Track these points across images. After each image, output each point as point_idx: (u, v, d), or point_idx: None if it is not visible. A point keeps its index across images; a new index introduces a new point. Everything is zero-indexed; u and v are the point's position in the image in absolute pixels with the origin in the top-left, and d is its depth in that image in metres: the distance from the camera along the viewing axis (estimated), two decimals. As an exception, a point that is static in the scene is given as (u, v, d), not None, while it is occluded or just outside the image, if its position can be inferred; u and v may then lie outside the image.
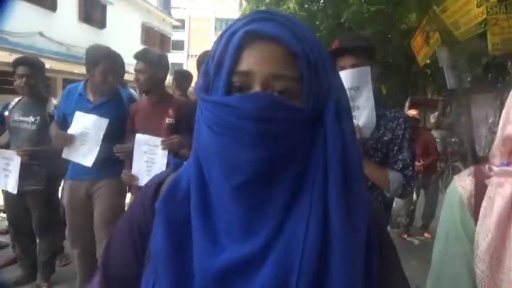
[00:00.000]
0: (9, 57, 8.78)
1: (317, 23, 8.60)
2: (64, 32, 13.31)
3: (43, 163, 2.87)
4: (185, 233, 0.57)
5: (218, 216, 0.56)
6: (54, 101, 3.03)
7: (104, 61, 2.50)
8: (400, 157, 1.61)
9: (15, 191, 2.77)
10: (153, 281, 0.58)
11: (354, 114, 1.62)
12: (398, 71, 8.99)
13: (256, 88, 0.55)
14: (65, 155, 2.52)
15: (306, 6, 9.28)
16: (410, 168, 1.60)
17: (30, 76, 2.90)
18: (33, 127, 2.89)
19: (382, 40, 7.54)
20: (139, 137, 2.34)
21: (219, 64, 0.57)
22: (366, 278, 0.56)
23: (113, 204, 2.56)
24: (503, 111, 0.81)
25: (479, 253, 0.75)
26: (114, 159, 2.43)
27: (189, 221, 0.57)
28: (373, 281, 0.57)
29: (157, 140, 2.29)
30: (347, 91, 1.61)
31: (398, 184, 1.58)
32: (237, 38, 0.55)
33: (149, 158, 2.32)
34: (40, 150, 2.82)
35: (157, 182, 0.68)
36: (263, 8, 11.15)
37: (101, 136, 2.44)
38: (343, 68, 1.62)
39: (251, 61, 0.55)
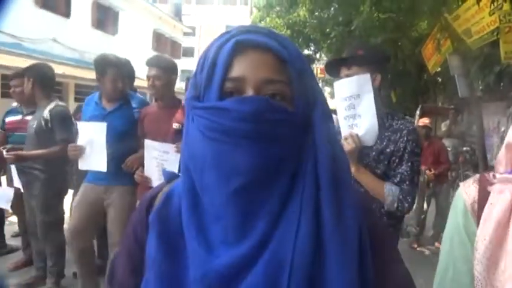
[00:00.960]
0: (24, 63, 8.95)
1: (327, 30, 8.60)
2: (77, 38, 13.54)
3: (44, 169, 2.94)
4: (178, 244, 0.59)
5: (212, 224, 0.57)
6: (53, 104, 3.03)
7: (111, 69, 2.60)
8: (399, 170, 1.57)
9: None
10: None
11: (354, 122, 1.63)
12: (409, 79, 8.93)
13: (250, 92, 0.57)
14: (81, 166, 2.63)
15: (317, 13, 9.29)
16: (408, 183, 1.54)
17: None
18: (32, 130, 2.95)
19: (392, 47, 7.51)
20: (148, 143, 2.39)
21: (210, 74, 0.58)
22: (361, 277, 0.56)
23: (124, 211, 2.62)
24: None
25: (477, 255, 0.78)
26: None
27: (182, 232, 0.59)
28: (369, 280, 0.58)
29: (167, 146, 2.33)
30: (347, 99, 1.63)
31: (393, 198, 1.54)
32: (228, 47, 0.58)
33: (159, 163, 2.35)
34: (31, 154, 2.88)
35: (150, 196, 0.70)
36: (273, 15, 11.22)
37: (104, 140, 2.50)
38: (347, 77, 1.65)
39: (243, 67, 0.57)
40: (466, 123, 7.31)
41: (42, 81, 3.02)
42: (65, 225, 3.22)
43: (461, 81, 4.85)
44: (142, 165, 2.43)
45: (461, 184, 0.92)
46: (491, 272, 0.76)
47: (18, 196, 3.13)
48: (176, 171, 2.30)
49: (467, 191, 0.87)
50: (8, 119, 3.35)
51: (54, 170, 2.98)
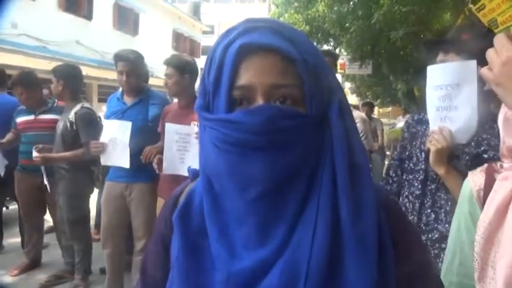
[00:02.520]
0: (48, 65, 9.20)
1: (347, 24, 8.49)
2: (99, 39, 13.81)
3: (70, 168, 3.03)
4: (201, 242, 0.59)
5: (234, 228, 0.57)
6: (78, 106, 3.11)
7: (119, 62, 2.70)
8: None
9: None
10: (175, 286, 0.60)
11: (449, 115, 1.40)
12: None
13: (259, 100, 0.55)
14: (103, 161, 2.71)
15: (336, 8, 9.18)
16: None
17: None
18: (59, 132, 3.04)
19: (414, 41, 7.35)
20: (169, 126, 2.43)
21: (217, 81, 0.56)
22: (382, 277, 0.55)
23: (145, 207, 2.70)
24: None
25: (477, 237, 0.81)
26: (149, 163, 2.56)
27: (204, 231, 0.59)
28: (390, 281, 0.56)
29: (189, 128, 2.36)
30: (443, 88, 1.38)
31: None
32: (232, 52, 0.55)
33: (181, 146, 2.38)
34: (57, 157, 2.98)
35: (175, 195, 0.71)
36: (292, 11, 11.14)
37: (128, 138, 2.57)
38: (441, 63, 1.43)
39: (250, 74, 0.55)
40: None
41: (71, 82, 3.10)
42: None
43: (487, 73, 4.69)
44: (160, 153, 2.46)
45: (469, 173, 0.94)
46: (487, 252, 0.79)
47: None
48: (197, 155, 2.35)
49: (474, 179, 0.90)
50: (20, 119, 3.38)
51: (80, 170, 3.06)
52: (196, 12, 25.52)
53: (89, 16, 13.71)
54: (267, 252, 0.54)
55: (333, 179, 0.55)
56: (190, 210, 0.63)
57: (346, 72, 12.33)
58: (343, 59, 11.35)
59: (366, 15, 7.59)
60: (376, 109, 16.38)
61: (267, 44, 0.54)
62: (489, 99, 1.35)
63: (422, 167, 1.52)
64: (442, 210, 1.45)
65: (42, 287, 3.21)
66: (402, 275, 0.58)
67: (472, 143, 1.36)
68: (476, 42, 1.37)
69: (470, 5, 4.14)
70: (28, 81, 3.31)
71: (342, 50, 11.59)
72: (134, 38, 16.11)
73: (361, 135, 2.33)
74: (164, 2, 19.13)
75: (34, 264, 3.57)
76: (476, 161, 1.31)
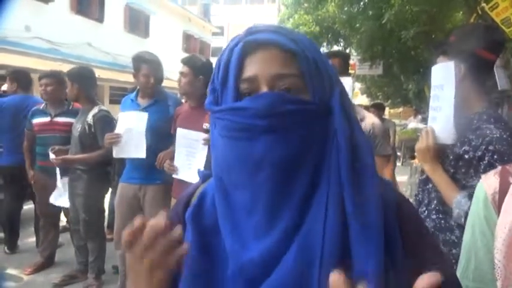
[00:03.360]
0: (60, 67, 9.32)
1: (357, 25, 8.44)
2: (110, 42, 13.96)
3: (87, 169, 3.07)
4: (212, 241, 0.62)
5: (244, 221, 0.59)
6: (96, 109, 3.16)
7: (144, 65, 2.72)
8: (473, 183, 1.28)
9: None
10: (187, 284, 0.62)
11: (435, 115, 1.45)
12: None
13: (264, 89, 0.59)
14: (116, 154, 2.70)
15: (346, 8, 9.13)
16: None
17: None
18: (76, 134, 3.09)
19: (425, 40, 7.27)
20: (179, 131, 2.45)
21: (224, 77, 0.61)
22: (390, 258, 0.56)
23: (159, 208, 2.68)
24: None
25: (497, 244, 0.79)
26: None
27: (216, 230, 0.62)
28: (398, 262, 0.57)
29: (196, 134, 2.36)
30: (434, 89, 1.44)
31: (459, 212, 1.31)
32: (238, 49, 0.60)
33: (189, 151, 2.39)
34: (75, 159, 3.03)
35: (187, 195, 0.73)
36: (301, 12, 11.12)
37: (144, 128, 2.59)
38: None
39: (255, 67, 0.59)
40: (506, 116, 6.98)
41: (86, 84, 3.14)
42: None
43: (500, 72, 4.62)
44: (172, 158, 2.48)
45: (482, 176, 0.93)
46: (510, 259, 0.77)
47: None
48: (203, 161, 2.39)
49: (488, 182, 0.89)
50: (36, 121, 3.41)
51: (96, 170, 3.10)
52: (206, 13, 25.65)
53: (100, 18, 13.87)
54: (275, 238, 0.56)
55: (339, 168, 0.57)
56: (202, 210, 0.65)
57: (357, 72, 12.26)
58: (353, 59, 11.28)
59: (377, 15, 7.55)
60: (387, 110, 16.17)
61: (269, 39, 0.59)
62: (477, 98, 1.40)
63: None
64: (431, 208, 1.50)
65: (56, 287, 3.25)
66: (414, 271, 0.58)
67: (458, 143, 1.38)
68: (459, 43, 1.43)
69: (483, 4, 4.08)
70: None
71: (352, 51, 11.53)
72: (145, 40, 16.25)
73: (376, 142, 2.30)
74: (174, 3, 19.26)
75: (48, 263, 3.62)
76: (461, 162, 1.35)
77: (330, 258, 0.53)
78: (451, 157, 1.39)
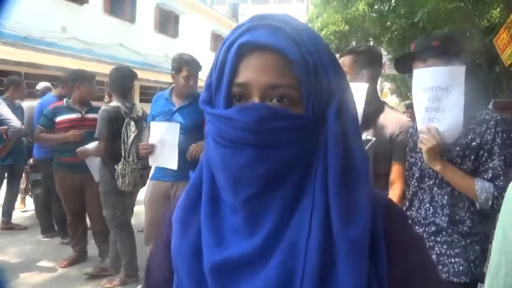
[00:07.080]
0: (95, 67, 9.63)
1: (388, 23, 8.26)
2: (141, 42, 14.30)
3: (100, 165, 3.21)
4: (198, 235, 0.60)
5: (228, 217, 0.59)
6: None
7: (185, 67, 2.76)
8: (490, 165, 1.43)
9: None
10: (177, 284, 0.62)
11: (437, 116, 1.50)
12: (478, 71, 8.31)
13: (255, 99, 0.56)
14: (151, 162, 2.81)
15: (376, 7, 8.95)
16: (502, 178, 1.40)
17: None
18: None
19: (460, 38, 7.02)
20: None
21: (219, 77, 0.59)
22: (373, 275, 0.55)
23: None
24: None
25: None
26: (194, 163, 2.60)
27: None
28: (382, 280, 0.56)
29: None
30: (432, 90, 1.48)
31: (487, 195, 1.42)
32: (233, 51, 0.57)
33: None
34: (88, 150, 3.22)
35: (179, 196, 0.72)
36: (331, 11, 10.99)
37: (177, 139, 2.65)
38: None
39: (248, 72, 0.56)
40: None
41: (120, 84, 3.28)
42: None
43: None
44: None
45: None
46: None
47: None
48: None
49: None
50: (62, 118, 3.46)
51: (104, 167, 3.18)
52: (234, 13, 25.80)
53: (132, 19, 14.23)
54: (256, 242, 0.55)
55: (326, 180, 0.55)
56: (188, 206, 0.64)
57: (386, 72, 11.99)
58: (383, 58, 11.06)
59: (409, 14, 7.35)
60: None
61: (265, 43, 0.55)
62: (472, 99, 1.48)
63: (418, 165, 1.63)
64: (439, 204, 1.56)
65: (90, 277, 3.39)
66: (397, 276, 0.57)
67: (461, 135, 1.47)
68: (446, 45, 1.52)
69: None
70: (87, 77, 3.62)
71: (382, 50, 11.30)
72: (174, 40, 16.53)
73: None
74: (203, 4, 19.49)
75: (82, 256, 3.76)
76: (468, 150, 1.47)
77: (312, 271, 0.52)
78: (458, 148, 1.48)
